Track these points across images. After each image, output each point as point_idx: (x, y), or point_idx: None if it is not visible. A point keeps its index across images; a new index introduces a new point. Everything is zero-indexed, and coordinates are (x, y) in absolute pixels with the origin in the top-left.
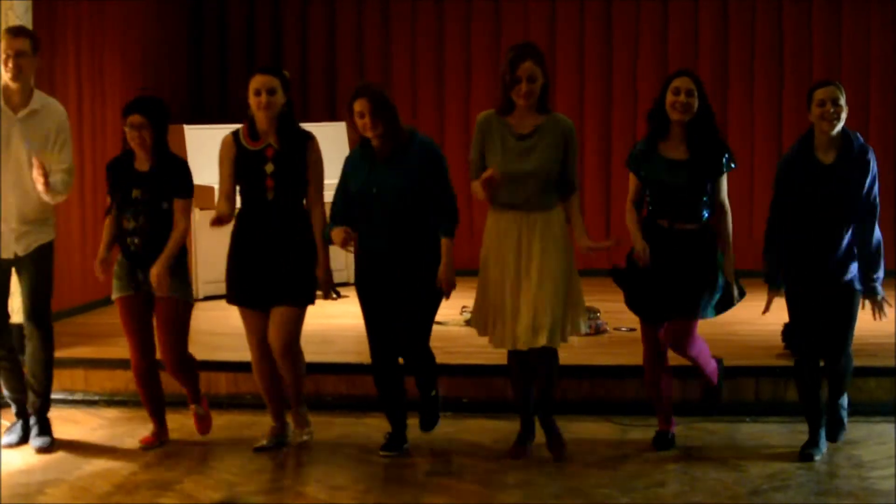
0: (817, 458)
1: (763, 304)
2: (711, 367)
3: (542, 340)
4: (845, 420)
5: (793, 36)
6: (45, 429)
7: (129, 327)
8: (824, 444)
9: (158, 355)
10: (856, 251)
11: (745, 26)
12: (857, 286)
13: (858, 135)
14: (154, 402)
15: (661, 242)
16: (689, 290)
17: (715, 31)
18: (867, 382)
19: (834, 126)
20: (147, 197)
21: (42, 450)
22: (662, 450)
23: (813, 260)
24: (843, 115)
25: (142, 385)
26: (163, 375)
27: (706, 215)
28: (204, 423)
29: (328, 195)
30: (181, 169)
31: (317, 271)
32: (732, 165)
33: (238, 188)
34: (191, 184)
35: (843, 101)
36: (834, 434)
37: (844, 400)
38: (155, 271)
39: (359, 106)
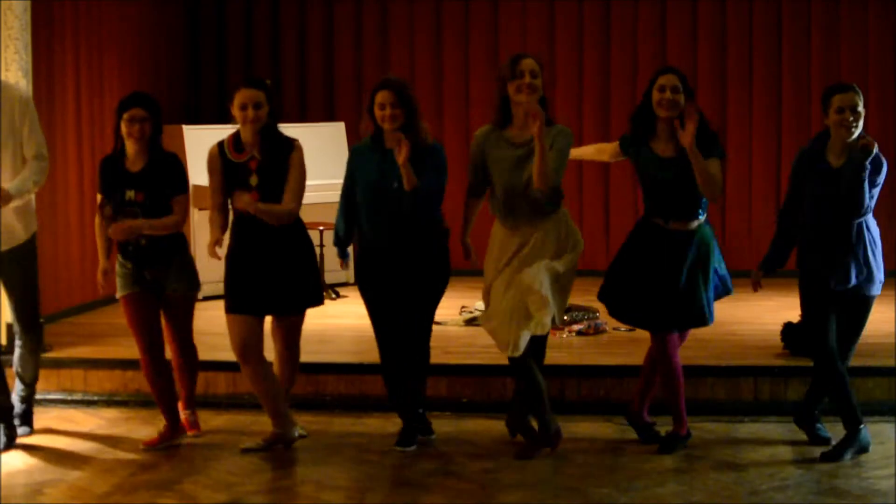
0: (847, 457)
1: (761, 304)
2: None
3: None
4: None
5: (791, 36)
6: (27, 419)
7: (136, 324)
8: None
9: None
10: (862, 253)
11: (744, 26)
12: (870, 292)
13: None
14: (166, 398)
15: (655, 242)
16: (692, 297)
17: (713, 32)
18: (865, 382)
19: (852, 133)
20: (144, 197)
21: (16, 440)
22: (652, 444)
23: (822, 260)
24: (861, 122)
25: (152, 381)
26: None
27: (701, 215)
28: (193, 425)
29: (327, 195)
30: (175, 165)
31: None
32: (719, 152)
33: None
34: (186, 179)
35: (861, 108)
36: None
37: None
38: (139, 222)
39: (381, 97)
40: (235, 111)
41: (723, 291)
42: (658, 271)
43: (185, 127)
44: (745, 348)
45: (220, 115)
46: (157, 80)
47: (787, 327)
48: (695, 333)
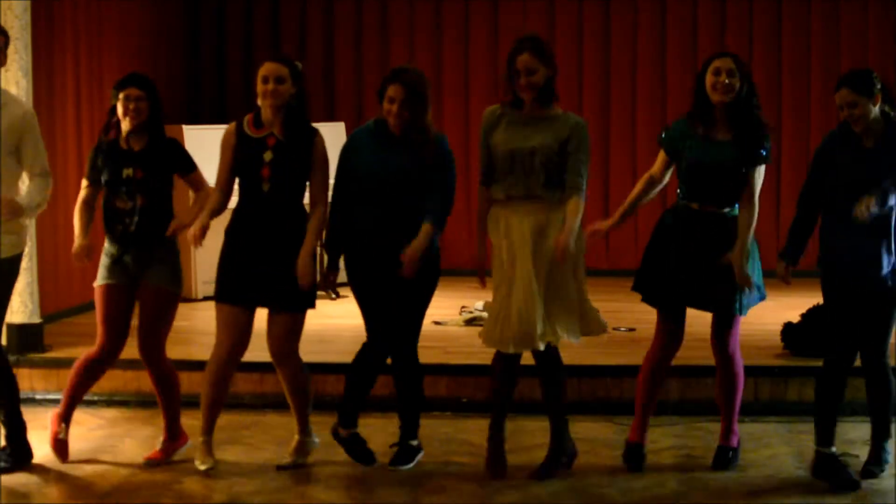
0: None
1: (761, 304)
2: (742, 371)
3: (538, 344)
4: (887, 461)
5: (791, 36)
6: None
7: (105, 316)
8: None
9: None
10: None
11: (744, 26)
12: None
13: None
14: (73, 401)
15: (689, 226)
16: (725, 282)
17: (713, 32)
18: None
19: (859, 125)
20: (143, 175)
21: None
22: (635, 468)
23: (849, 251)
24: (869, 108)
25: (78, 376)
26: None
27: (736, 205)
28: (164, 452)
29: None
30: (179, 147)
31: (300, 274)
32: (769, 159)
33: (237, 182)
34: (190, 157)
35: (858, 96)
36: (870, 471)
37: (891, 445)
38: (198, 223)
39: (392, 91)
40: (258, 85)
41: (757, 297)
42: (692, 251)
43: (185, 127)
44: (745, 348)
45: (220, 115)
46: (156, 81)
47: (787, 327)
48: (695, 333)
